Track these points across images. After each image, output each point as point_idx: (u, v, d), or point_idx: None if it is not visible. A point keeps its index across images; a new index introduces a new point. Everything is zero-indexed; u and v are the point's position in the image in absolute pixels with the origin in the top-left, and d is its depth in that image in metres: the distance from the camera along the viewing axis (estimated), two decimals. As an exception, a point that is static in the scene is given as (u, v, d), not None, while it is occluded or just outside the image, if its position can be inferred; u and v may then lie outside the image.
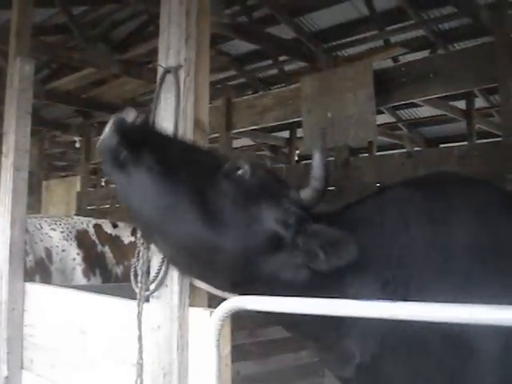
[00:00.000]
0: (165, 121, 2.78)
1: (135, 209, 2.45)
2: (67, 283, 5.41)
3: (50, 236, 5.64)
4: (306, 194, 2.35)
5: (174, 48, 2.80)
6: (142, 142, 2.39)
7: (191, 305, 2.68)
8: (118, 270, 6.08)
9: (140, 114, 2.42)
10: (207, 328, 2.25)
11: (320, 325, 2.36)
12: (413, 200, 2.60)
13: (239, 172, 2.42)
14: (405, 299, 2.26)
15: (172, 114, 2.73)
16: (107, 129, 2.34)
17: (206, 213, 2.33)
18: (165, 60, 2.83)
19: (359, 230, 2.43)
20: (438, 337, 2.29)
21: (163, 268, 2.66)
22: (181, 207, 2.35)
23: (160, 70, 2.83)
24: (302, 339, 2.75)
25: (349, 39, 9.29)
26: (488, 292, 2.24)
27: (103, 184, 17.77)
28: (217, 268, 2.39)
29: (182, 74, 2.74)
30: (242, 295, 2.16)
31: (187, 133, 2.73)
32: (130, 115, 2.38)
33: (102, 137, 2.36)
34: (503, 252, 2.47)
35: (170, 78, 2.79)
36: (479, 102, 10.54)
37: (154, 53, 2.97)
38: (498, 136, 10.07)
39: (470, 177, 3.19)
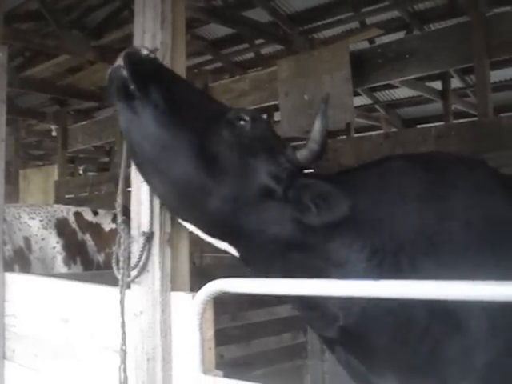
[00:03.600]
0: (142, 105, 2.75)
1: (136, 143, 2.48)
2: (47, 272, 5.38)
3: (28, 225, 5.59)
4: (302, 153, 2.39)
5: (149, 32, 2.77)
6: (152, 77, 2.43)
7: (173, 289, 2.67)
8: (100, 257, 6.05)
9: (154, 50, 2.50)
10: (190, 312, 2.25)
11: None
12: (412, 173, 2.62)
13: (241, 121, 2.46)
14: (392, 271, 2.33)
15: (149, 98, 2.70)
16: (119, 59, 2.39)
17: (203, 155, 2.38)
18: (140, 44, 2.80)
19: (354, 193, 2.43)
20: (424, 310, 2.30)
21: (144, 254, 2.64)
22: (180, 147, 2.39)
23: (136, 54, 2.80)
24: (287, 297, 2.77)
25: (324, 21, 9.28)
26: (480, 270, 2.22)
27: (81, 172, 17.67)
28: (207, 212, 2.42)
29: (157, 57, 2.72)
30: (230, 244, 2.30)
31: (165, 117, 2.71)
32: (143, 50, 2.45)
33: (112, 66, 2.42)
34: (497, 231, 2.50)
35: (145, 62, 2.76)
36: (455, 83, 10.60)
37: (129, 38, 2.93)
38: (474, 116, 10.16)
39: (466, 156, 3.22)
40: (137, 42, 2.82)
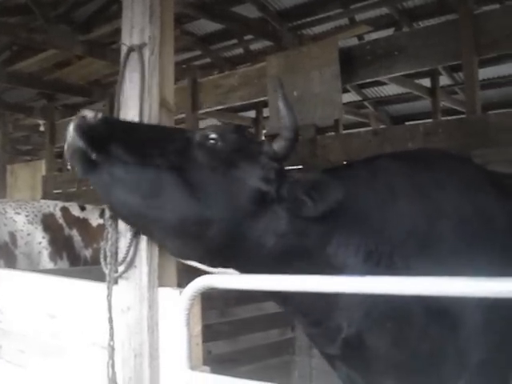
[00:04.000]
0: (130, 100, 2.74)
1: (119, 203, 2.44)
2: (33, 267, 5.35)
3: (14, 220, 5.57)
4: (278, 145, 2.39)
5: (137, 26, 2.75)
6: (108, 137, 2.37)
7: (160, 285, 2.66)
8: (87, 253, 6.02)
9: (97, 111, 2.40)
10: (177, 308, 2.25)
11: (309, 298, 2.36)
12: (402, 173, 2.65)
13: (210, 141, 2.43)
14: (388, 271, 2.36)
15: (137, 93, 2.69)
16: (70, 133, 2.31)
17: (189, 189, 2.34)
18: (128, 38, 2.79)
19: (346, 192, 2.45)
20: (422, 308, 2.33)
21: (132, 249, 2.63)
22: (164, 190, 2.35)
23: (124, 49, 2.78)
24: (292, 314, 2.77)
25: (314, 18, 9.26)
26: (473, 268, 2.21)
27: (69, 167, 17.51)
28: (211, 239, 2.38)
29: (146, 52, 2.70)
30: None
31: (153, 112, 2.70)
32: (89, 115, 2.35)
33: (66, 142, 2.34)
34: (488, 227, 2.55)
35: (134, 56, 2.74)
36: (443, 80, 10.62)
37: (117, 33, 2.92)
38: (462, 113, 10.19)
39: (454, 153, 3.24)
40: (125, 36, 2.80)
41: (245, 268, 2.43)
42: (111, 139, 2.36)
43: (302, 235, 2.39)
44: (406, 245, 2.44)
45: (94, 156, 2.30)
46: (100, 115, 2.36)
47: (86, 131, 2.30)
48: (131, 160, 2.34)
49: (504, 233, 2.60)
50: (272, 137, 2.58)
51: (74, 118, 2.35)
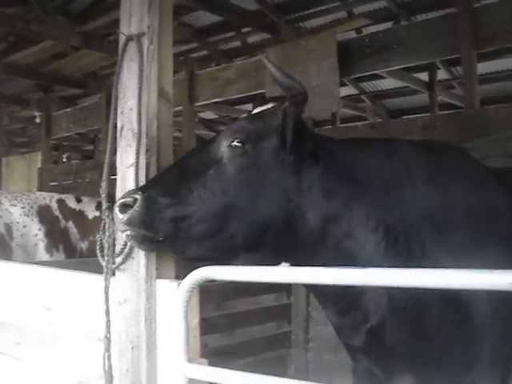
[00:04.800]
0: (128, 90, 2.71)
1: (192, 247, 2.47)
2: (29, 259, 5.33)
3: (10, 212, 5.54)
4: (288, 108, 2.45)
5: (136, 15, 2.72)
6: (157, 212, 2.36)
7: (158, 277, 2.64)
8: (83, 245, 6.00)
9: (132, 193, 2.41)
10: (175, 300, 2.23)
11: (339, 287, 2.38)
12: (419, 157, 2.71)
13: (235, 144, 2.44)
14: (404, 253, 2.45)
15: (135, 82, 2.66)
16: (117, 214, 2.36)
17: (246, 198, 2.40)
18: (127, 28, 2.76)
19: (358, 165, 2.59)
20: (438, 296, 2.37)
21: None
22: (224, 215, 2.38)
23: (122, 38, 2.75)
24: (322, 303, 2.79)
25: (312, 10, 9.24)
26: (483, 258, 2.36)
27: (65, 160, 17.49)
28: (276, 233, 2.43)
29: (145, 41, 2.68)
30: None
31: (151, 102, 2.67)
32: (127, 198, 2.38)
33: (117, 227, 2.45)
34: (494, 220, 2.64)
35: (132, 46, 2.71)
36: (441, 74, 10.61)
37: (114, 24, 2.90)
38: (460, 108, 10.19)
39: (458, 147, 3.33)
40: (123, 26, 2.78)
41: (295, 251, 2.50)
42: (155, 215, 2.35)
43: (329, 198, 2.45)
44: (421, 229, 2.49)
45: (150, 236, 2.37)
46: (138, 201, 2.33)
47: (134, 222, 2.33)
48: (179, 213, 2.37)
49: (508, 226, 2.69)
50: (272, 99, 2.62)
51: (116, 210, 2.37)
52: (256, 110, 2.66)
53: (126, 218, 2.31)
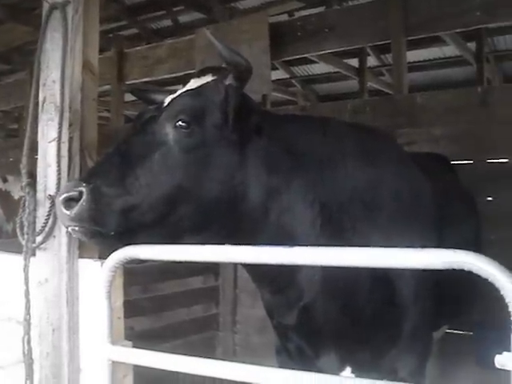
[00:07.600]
0: (51, 62, 2.62)
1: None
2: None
3: None
4: (231, 79, 2.41)
5: (60, -17, 2.61)
6: (102, 209, 2.18)
7: (81, 256, 2.56)
8: (9, 227, 5.82)
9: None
10: (98, 280, 2.16)
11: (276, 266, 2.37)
12: (351, 137, 2.79)
13: (178, 123, 2.34)
14: (337, 229, 2.54)
15: (59, 54, 2.56)
16: (67, 223, 2.20)
17: (191, 176, 2.31)
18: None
19: (298, 140, 2.62)
20: (368, 277, 2.51)
21: (51, 218, 2.52)
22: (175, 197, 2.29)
23: (46, 7, 2.65)
24: (258, 282, 2.76)
25: (245, -10, 9.17)
26: (407, 237, 2.50)
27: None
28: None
29: (69, 10, 2.58)
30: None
31: (75, 75, 2.58)
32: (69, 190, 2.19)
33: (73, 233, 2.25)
34: (417, 200, 2.82)
35: (56, 15, 2.61)
36: (371, 61, 10.75)
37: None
38: (388, 94, 10.37)
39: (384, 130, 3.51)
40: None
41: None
42: (109, 204, 2.19)
43: (271, 173, 2.45)
44: (352, 206, 2.57)
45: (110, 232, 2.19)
46: (84, 194, 2.14)
47: (87, 218, 2.14)
48: (125, 198, 2.21)
49: (429, 207, 2.88)
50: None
51: (60, 205, 2.17)
52: (194, 83, 2.56)
53: (73, 214, 2.13)
